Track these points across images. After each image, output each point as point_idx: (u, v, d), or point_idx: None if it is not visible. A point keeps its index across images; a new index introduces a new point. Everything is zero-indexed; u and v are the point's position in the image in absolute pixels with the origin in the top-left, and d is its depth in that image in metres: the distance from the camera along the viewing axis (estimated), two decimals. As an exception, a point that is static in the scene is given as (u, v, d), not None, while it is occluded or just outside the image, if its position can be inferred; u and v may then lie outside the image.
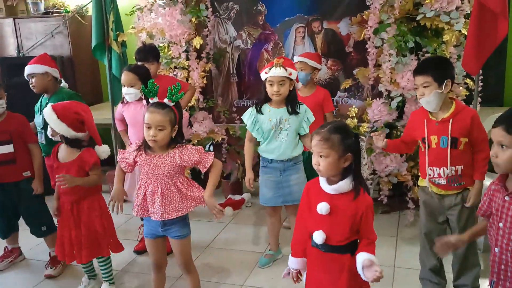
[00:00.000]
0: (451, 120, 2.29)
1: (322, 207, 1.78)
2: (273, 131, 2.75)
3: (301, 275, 1.97)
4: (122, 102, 3.14)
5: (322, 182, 1.83)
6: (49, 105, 2.58)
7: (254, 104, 2.88)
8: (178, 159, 2.17)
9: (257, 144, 2.91)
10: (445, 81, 2.24)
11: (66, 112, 2.54)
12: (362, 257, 1.75)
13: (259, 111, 2.76)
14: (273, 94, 2.68)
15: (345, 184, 1.77)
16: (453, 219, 2.42)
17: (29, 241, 3.27)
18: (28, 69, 3.16)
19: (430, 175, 2.37)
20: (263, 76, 2.71)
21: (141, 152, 2.23)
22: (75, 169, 2.56)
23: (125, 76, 2.95)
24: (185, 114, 3.13)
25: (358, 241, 1.84)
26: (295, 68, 2.74)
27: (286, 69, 2.62)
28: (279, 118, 2.72)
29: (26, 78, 3.17)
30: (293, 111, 2.71)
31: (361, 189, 1.78)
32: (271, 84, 2.67)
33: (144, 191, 2.23)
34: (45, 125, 3.10)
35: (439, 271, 2.55)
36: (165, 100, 2.18)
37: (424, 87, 2.27)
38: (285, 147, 2.76)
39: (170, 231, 2.28)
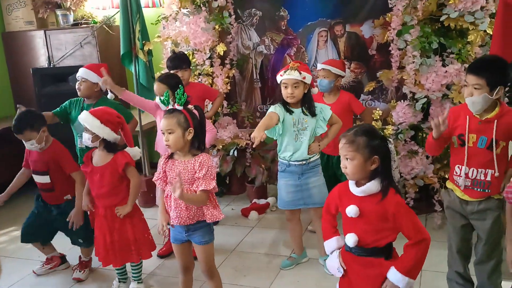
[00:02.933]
0: (495, 121, 2.19)
1: (351, 210, 1.80)
2: (294, 131, 2.80)
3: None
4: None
5: (351, 184, 1.84)
6: (86, 112, 2.63)
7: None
8: (196, 166, 2.20)
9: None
10: (498, 87, 2.14)
11: (110, 116, 2.64)
12: (389, 274, 1.80)
13: (288, 110, 2.78)
14: (288, 97, 2.74)
15: (373, 186, 1.77)
16: (479, 228, 2.37)
17: (63, 246, 3.35)
18: (82, 72, 3.26)
19: (456, 172, 2.33)
20: (278, 78, 2.79)
21: (168, 160, 2.30)
22: (109, 172, 2.64)
23: (156, 86, 3.04)
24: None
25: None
26: (310, 73, 2.79)
27: (300, 73, 2.68)
28: (299, 118, 2.79)
29: (77, 78, 3.28)
30: (310, 112, 2.77)
31: (390, 190, 1.78)
32: (285, 87, 2.74)
33: (170, 195, 2.28)
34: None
35: (465, 274, 2.52)
36: (172, 105, 2.24)
37: (475, 88, 2.16)
38: (304, 148, 2.81)
39: (193, 236, 2.32)
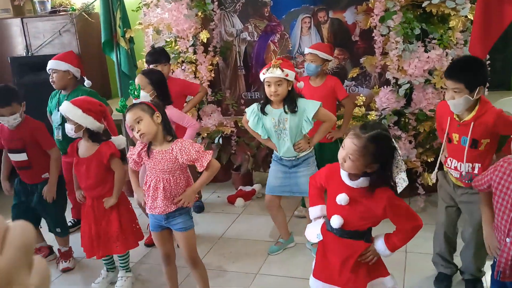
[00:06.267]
0: (472, 123, 2.23)
1: (342, 199, 1.82)
2: (275, 131, 2.81)
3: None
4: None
5: (343, 175, 1.84)
6: (67, 102, 2.59)
7: (261, 98, 2.90)
8: (176, 154, 2.20)
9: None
10: (478, 88, 2.17)
11: (91, 105, 2.60)
12: (377, 245, 1.87)
13: (263, 112, 2.80)
14: (271, 95, 2.71)
15: (365, 180, 1.79)
16: (464, 212, 2.45)
17: (50, 236, 3.32)
18: (50, 64, 3.24)
19: (448, 164, 2.40)
20: (261, 76, 2.74)
21: (145, 150, 2.28)
22: (95, 163, 2.61)
23: (137, 79, 3.01)
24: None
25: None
26: (294, 69, 2.76)
27: (283, 70, 2.64)
28: (279, 118, 2.77)
29: (48, 71, 3.25)
30: (291, 110, 2.72)
31: (378, 188, 1.78)
32: (268, 85, 2.70)
33: (148, 186, 2.28)
34: (63, 122, 3.16)
35: (448, 256, 2.59)
36: (134, 101, 2.25)
37: (455, 91, 2.19)
38: (288, 147, 2.81)
39: (173, 223, 2.32)
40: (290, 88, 2.71)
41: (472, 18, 3.07)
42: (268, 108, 2.80)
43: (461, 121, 2.27)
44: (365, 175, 1.79)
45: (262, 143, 3.04)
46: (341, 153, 1.80)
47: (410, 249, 2.97)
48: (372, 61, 3.64)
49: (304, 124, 2.74)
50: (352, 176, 1.83)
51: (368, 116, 3.70)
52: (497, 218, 1.79)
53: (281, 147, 2.85)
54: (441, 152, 2.50)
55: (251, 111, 2.86)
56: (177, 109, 3.10)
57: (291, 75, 2.68)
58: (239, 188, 4.11)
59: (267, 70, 2.68)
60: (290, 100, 2.72)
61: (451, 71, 2.26)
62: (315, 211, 2.02)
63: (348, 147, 1.75)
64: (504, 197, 1.75)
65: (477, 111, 2.24)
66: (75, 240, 3.11)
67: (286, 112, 2.73)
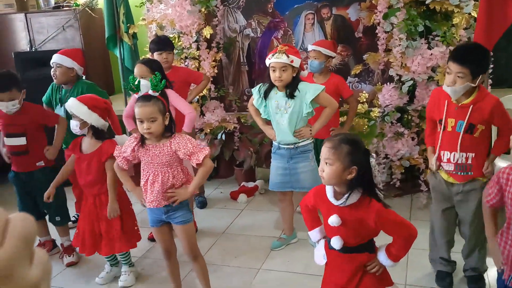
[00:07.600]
0: (471, 106, 2.24)
1: (333, 221, 1.79)
2: (276, 113, 2.81)
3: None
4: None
5: (330, 196, 1.83)
6: (73, 99, 2.60)
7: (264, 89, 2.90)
8: (174, 147, 2.20)
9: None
10: (480, 76, 2.19)
11: (96, 102, 2.61)
12: (380, 258, 1.86)
13: (266, 96, 2.82)
14: (276, 80, 2.74)
15: (352, 198, 1.77)
16: (461, 211, 2.44)
17: (51, 230, 3.35)
18: (56, 58, 3.23)
19: (441, 158, 2.38)
20: (267, 61, 2.78)
21: (139, 144, 2.26)
22: (96, 160, 2.61)
23: (138, 68, 2.99)
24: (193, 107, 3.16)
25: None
26: (299, 56, 2.77)
27: (288, 56, 2.67)
28: (281, 101, 2.79)
29: (51, 64, 3.24)
30: (291, 95, 2.75)
31: (367, 199, 1.77)
32: (273, 70, 2.73)
33: (145, 180, 2.28)
34: (67, 117, 3.17)
35: (448, 256, 2.59)
36: (150, 92, 2.20)
37: (458, 76, 2.19)
38: (285, 131, 2.81)
39: (173, 217, 2.32)
40: (294, 75, 2.74)
41: (475, 16, 3.07)
42: (273, 91, 2.81)
43: (459, 104, 2.27)
44: (349, 189, 1.77)
45: (260, 127, 3.01)
46: (320, 166, 1.80)
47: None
48: (375, 58, 3.64)
49: (304, 107, 2.75)
50: (338, 195, 1.81)
51: (371, 113, 3.70)
52: (506, 225, 1.78)
53: (280, 132, 2.84)
54: (430, 155, 2.48)
55: (257, 90, 2.88)
56: (175, 93, 3.07)
57: (296, 61, 2.71)
58: (242, 184, 4.13)
59: (273, 55, 2.71)
60: (293, 86, 2.75)
61: (458, 55, 2.23)
62: (314, 235, 2.01)
63: (324, 152, 1.77)
64: (511, 203, 1.74)
65: (476, 96, 2.25)
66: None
67: (287, 97, 2.76)
